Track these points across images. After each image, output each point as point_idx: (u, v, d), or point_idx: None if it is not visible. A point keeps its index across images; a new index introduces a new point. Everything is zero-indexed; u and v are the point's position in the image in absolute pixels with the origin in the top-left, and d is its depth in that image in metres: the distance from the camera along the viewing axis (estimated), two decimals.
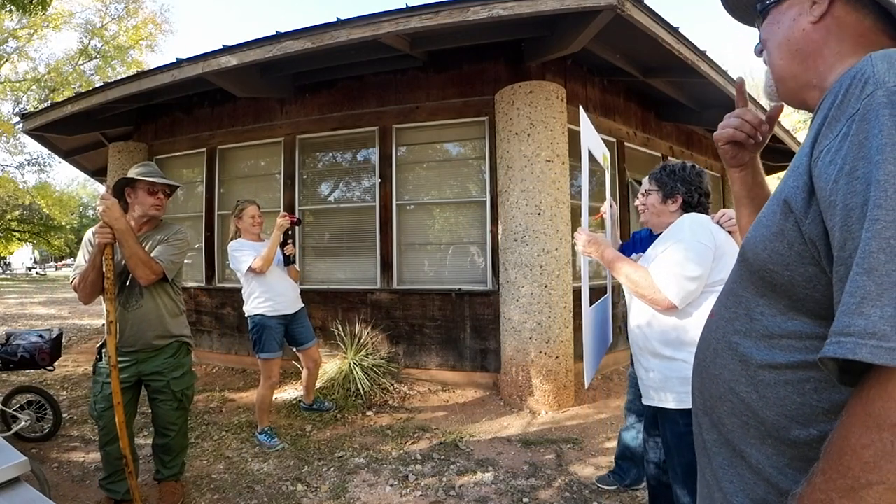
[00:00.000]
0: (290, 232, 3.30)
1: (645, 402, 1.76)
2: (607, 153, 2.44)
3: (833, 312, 0.52)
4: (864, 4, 0.66)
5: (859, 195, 0.50)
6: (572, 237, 2.48)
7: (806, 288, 0.59)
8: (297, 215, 3.22)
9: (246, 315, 3.25)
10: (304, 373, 3.59)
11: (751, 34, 0.84)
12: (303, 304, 3.44)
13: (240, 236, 3.27)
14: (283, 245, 3.25)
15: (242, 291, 3.27)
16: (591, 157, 1.94)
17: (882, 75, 0.52)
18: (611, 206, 2.19)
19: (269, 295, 3.19)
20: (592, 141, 2.00)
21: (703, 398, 0.76)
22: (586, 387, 1.87)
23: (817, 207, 0.57)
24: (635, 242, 2.29)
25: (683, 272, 1.53)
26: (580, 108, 1.95)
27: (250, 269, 3.09)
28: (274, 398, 3.68)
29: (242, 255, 3.14)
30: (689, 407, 1.56)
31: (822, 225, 0.56)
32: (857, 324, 0.46)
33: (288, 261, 3.33)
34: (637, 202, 1.97)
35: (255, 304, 3.19)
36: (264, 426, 3.17)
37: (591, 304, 1.94)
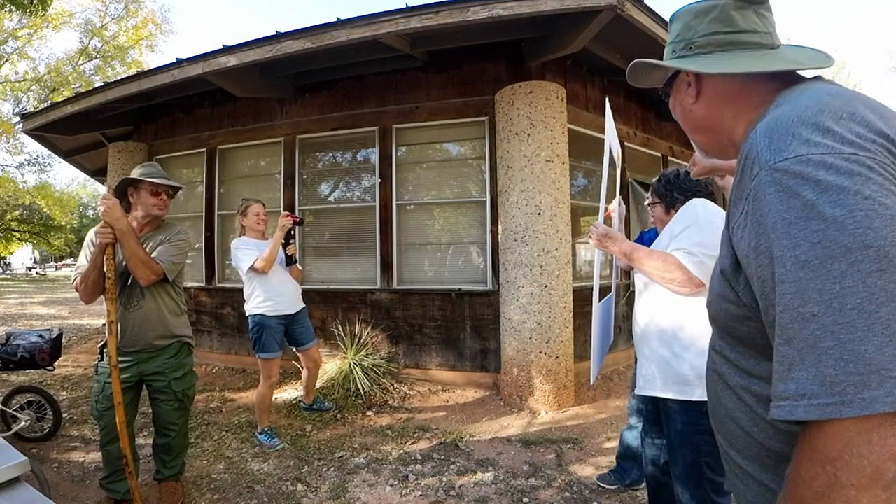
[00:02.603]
0: (292, 232, 3.28)
1: (640, 391, 1.75)
2: (619, 150, 2.45)
3: None
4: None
5: (767, 268, 0.56)
6: (573, 236, 2.47)
7: (763, 339, 0.63)
8: (298, 215, 3.21)
9: (246, 314, 3.24)
10: (304, 373, 3.59)
11: None
12: (304, 305, 3.44)
13: (244, 234, 3.28)
14: (285, 245, 3.24)
15: (244, 290, 3.26)
16: (611, 156, 1.95)
17: (763, 154, 0.57)
18: (619, 203, 2.20)
19: (269, 294, 3.18)
20: (612, 138, 2.01)
21: (721, 436, 0.79)
22: (592, 383, 1.88)
23: (745, 276, 0.63)
24: (643, 242, 2.29)
25: (707, 251, 1.52)
26: (607, 101, 1.94)
27: (252, 269, 3.09)
28: (274, 398, 3.68)
29: (245, 253, 3.12)
30: (688, 399, 1.58)
31: (752, 292, 0.62)
32: (789, 389, 0.52)
33: (290, 261, 3.33)
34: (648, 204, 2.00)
35: (256, 303, 3.19)
36: (264, 426, 3.17)
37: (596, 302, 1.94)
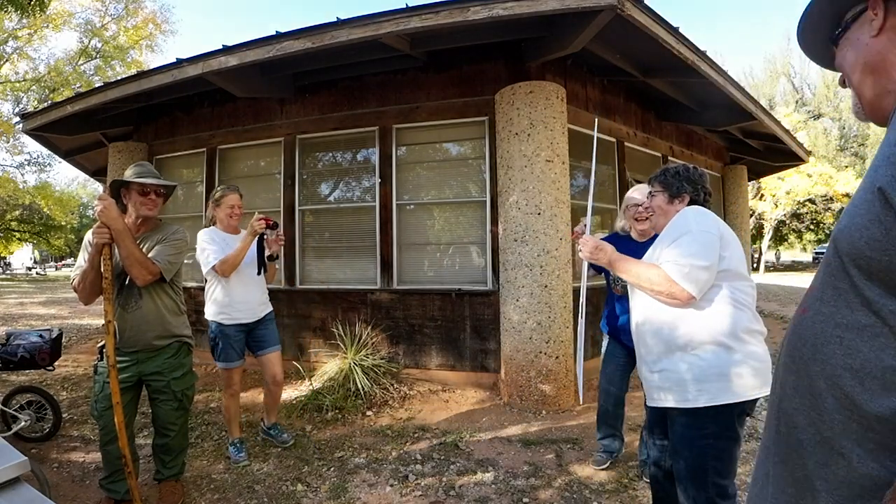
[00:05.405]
0: (265, 235, 2.89)
1: (649, 403, 1.77)
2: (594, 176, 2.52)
3: None
4: None
5: None
6: (573, 240, 2.51)
7: None
8: (273, 219, 2.83)
9: (205, 317, 2.97)
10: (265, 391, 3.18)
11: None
12: (271, 308, 3.09)
13: (213, 224, 2.95)
14: (260, 248, 2.89)
15: (204, 289, 2.99)
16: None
17: None
18: (585, 226, 2.21)
19: (227, 300, 2.86)
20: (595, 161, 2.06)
21: (799, 398, 0.74)
22: (581, 402, 1.91)
23: None
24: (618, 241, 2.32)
25: (697, 262, 1.52)
26: (595, 125, 1.96)
27: (213, 269, 2.79)
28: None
29: (211, 248, 2.80)
30: (690, 406, 1.57)
31: None
32: None
33: (269, 258, 2.98)
34: (641, 207, 1.99)
35: (213, 309, 2.91)
36: (234, 437, 2.96)
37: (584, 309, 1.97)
